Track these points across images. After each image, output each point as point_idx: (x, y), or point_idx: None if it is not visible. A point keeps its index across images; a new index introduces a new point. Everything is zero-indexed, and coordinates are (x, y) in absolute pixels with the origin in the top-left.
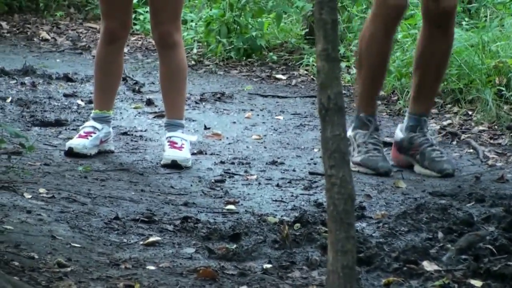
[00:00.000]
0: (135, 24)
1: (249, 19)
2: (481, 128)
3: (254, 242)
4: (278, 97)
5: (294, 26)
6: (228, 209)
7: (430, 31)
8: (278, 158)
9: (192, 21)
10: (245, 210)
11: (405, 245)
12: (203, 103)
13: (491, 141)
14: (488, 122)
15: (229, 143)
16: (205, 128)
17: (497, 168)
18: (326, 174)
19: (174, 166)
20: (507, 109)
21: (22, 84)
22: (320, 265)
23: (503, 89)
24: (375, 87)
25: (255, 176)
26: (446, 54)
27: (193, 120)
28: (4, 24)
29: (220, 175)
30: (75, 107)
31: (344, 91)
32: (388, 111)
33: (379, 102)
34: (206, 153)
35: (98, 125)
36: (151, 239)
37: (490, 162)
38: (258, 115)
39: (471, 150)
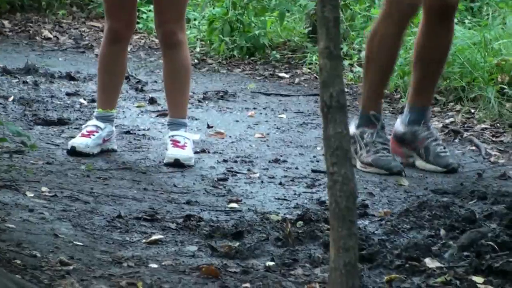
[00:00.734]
0: (138, 23)
1: (252, 18)
2: (483, 126)
3: (256, 240)
4: (281, 95)
5: (297, 24)
6: (230, 207)
7: (432, 25)
8: (281, 156)
9: (195, 19)
10: (248, 208)
11: (407, 242)
12: (206, 102)
13: (494, 139)
14: (491, 120)
15: (232, 142)
16: (208, 126)
17: (499, 165)
18: (328, 172)
19: (177, 164)
20: (509, 107)
21: (24, 82)
22: (322, 263)
23: (505, 87)
24: (383, 85)
25: (258, 174)
26: (448, 46)
27: (196, 119)
28: (6, 22)
29: (223, 173)
30: (78, 106)
31: (347, 89)
32: (391, 109)
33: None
34: (209, 152)
35: (101, 124)
36: (154, 237)
37: (492, 159)
38: (261, 113)
39: (474, 148)
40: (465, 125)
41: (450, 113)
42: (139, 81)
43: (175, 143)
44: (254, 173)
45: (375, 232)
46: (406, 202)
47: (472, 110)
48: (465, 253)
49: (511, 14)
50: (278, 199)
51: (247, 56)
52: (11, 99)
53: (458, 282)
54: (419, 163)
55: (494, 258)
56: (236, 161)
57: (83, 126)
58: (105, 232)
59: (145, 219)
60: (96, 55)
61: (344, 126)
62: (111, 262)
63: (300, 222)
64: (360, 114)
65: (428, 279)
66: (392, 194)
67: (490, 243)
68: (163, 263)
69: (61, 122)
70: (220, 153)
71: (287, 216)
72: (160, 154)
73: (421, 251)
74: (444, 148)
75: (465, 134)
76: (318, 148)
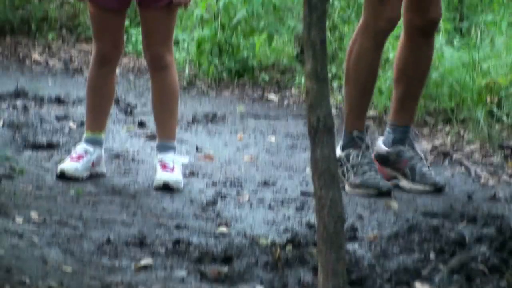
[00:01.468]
0: (127, 46)
1: (241, 39)
2: (472, 147)
3: (246, 265)
4: (270, 117)
5: (286, 46)
6: (220, 232)
7: (414, 41)
8: (270, 178)
9: (184, 40)
10: (237, 232)
11: (397, 266)
12: (195, 124)
13: (483, 160)
14: (480, 141)
15: (221, 165)
16: (197, 149)
17: (489, 187)
18: (316, 195)
19: (166, 188)
20: (498, 128)
21: (14, 107)
22: (312, 287)
23: (495, 109)
24: (365, 102)
25: (247, 197)
26: (430, 62)
27: (185, 142)
28: None
29: (212, 196)
30: (67, 129)
31: (336, 111)
32: (381, 130)
33: (371, 122)
34: (198, 175)
35: (90, 148)
36: (143, 262)
37: (482, 181)
38: (250, 136)
39: (463, 170)
40: (454, 147)
41: (439, 135)
42: (128, 104)
43: (164, 166)
44: (243, 196)
45: (365, 255)
46: (396, 225)
47: (462, 132)
48: (455, 277)
49: (499, 35)
50: (267, 222)
51: (236, 78)
52: (0, 123)
53: None
54: (404, 183)
55: (484, 282)
56: (225, 184)
57: (72, 150)
58: (95, 257)
59: (134, 244)
60: (86, 78)
61: (332, 149)
62: None
63: (290, 246)
64: (344, 134)
65: None
66: (382, 217)
67: (480, 266)
68: None
69: (50, 146)
70: (209, 176)
71: (276, 239)
72: (149, 177)
73: (411, 275)
74: (429, 168)
75: (455, 156)
76: (307, 171)
